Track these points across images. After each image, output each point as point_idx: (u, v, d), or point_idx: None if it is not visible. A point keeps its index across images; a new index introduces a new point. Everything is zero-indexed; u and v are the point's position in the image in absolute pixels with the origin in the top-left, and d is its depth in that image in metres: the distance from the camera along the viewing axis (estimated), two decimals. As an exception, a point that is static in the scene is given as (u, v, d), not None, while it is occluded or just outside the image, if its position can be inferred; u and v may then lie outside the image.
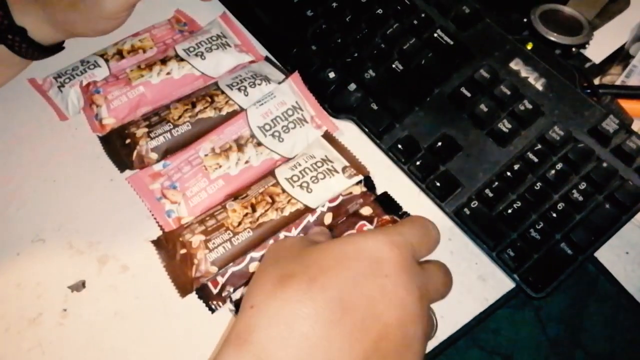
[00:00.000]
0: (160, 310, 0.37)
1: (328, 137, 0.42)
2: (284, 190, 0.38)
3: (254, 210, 0.38)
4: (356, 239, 0.28)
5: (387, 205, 0.39)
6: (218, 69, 0.45)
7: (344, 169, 0.40)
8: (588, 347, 0.37)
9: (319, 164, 0.40)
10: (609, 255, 0.39)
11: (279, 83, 0.44)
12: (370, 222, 0.38)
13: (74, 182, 0.42)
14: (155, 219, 0.39)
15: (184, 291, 0.36)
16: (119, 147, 0.42)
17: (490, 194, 0.38)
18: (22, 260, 0.39)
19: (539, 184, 0.38)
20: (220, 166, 0.40)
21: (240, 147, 0.40)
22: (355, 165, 0.40)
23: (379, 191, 0.40)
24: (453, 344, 0.37)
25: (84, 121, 0.44)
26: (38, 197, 0.42)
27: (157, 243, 0.38)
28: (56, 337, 0.37)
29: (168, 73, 0.44)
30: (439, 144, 0.40)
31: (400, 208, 0.39)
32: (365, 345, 0.25)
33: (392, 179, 0.41)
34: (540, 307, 0.38)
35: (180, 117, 0.42)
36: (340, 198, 0.39)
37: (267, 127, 0.41)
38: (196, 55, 0.45)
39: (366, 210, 0.39)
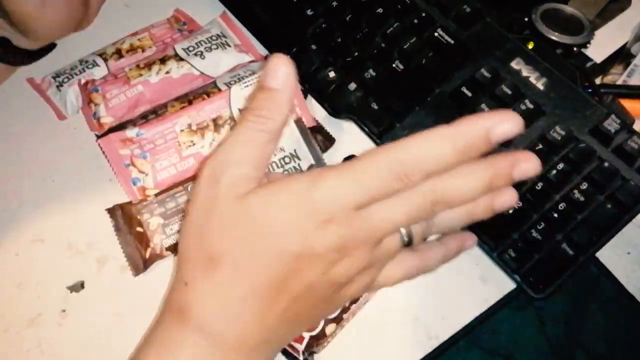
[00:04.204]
0: (159, 310, 0.37)
1: (301, 128, 0.41)
2: None
3: None
4: (275, 207, 0.26)
5: None
6: (217, 68, 0.45)
7: (309, 168, 0.39)
8: (589, 348, 0.37)
9: (287, 159, 0.39)
10: (610, 255, 0.39)
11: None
12: None
13: (73, 182, 0.42)
14: (119, 183, 0.40)
15: (136, 270, 0.38)
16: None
17: (491, 194, 0.38)
18: (21, 260, 0.39)
19: (540, 184, 0.38)
20: (193, 144, 0.40)
21: (217, 128, 0.40)
22: None
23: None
24: (454, 344, 0.37)
25: (83, 121, 0.44)
26: (37, 197, 0.42)
27: (112, 212, 0.39)
28: (55, 338, 0.37)
29: (167, 72, 0.44)
30: (440, 143, 0.40)
31: None
32: (297, 316, 0.28)
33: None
34: (541, 308, 0.38)
35: None
36: None
37: None
38: (195, 54, 0.44)
39: None
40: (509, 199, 0.29)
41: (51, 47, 0.46)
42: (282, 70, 0.28)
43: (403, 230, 0.28)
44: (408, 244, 0.28)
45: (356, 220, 0.26)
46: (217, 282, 0.27)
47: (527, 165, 0.27)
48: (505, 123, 0.26)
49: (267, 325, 0.27)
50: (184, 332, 0.27)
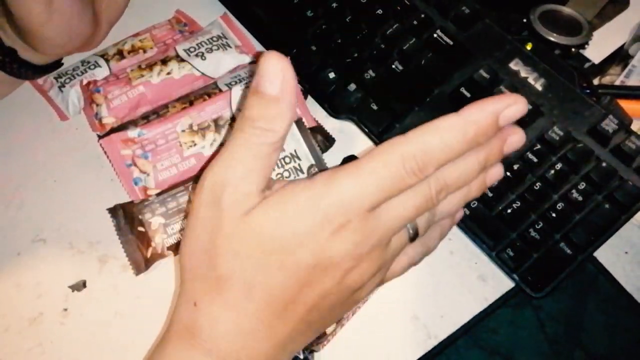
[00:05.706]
0: (160, 309, 0.37)
1: (301, 128, 0.41)
2: None
3: None
4: (284, 220, 0.25)
5: None
6: (218, 69, 0.45)
7: (309, 168, 0.40)
8: (587, 347, 0.37)
9: (287, 160, 0.40)
10: (608, 255, 0.40)
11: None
12: None
13: (75, 182, 0.42)
14: (121, 183, 0.40)
15: (138, 269, 0.38)
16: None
17: (490, 194, 0.38)
18: (23, 260, 0.40)
19: (538, 184, 0.38)
20: (195, 144, 0.40)
21: (218, 128, 0.41)
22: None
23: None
24: (453, 343, 0.37)
25: (85, 121, 0.44)
26: (38, 197, 0.42)
27: (113, 212, 0.39)
28: (57, 337, 0.37)
29: (168, 73, 0.44)
30: (439, 144, 0.40)
31: None
32: (310, 325, 0.27)
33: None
34: (539, 307, 0.38)
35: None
36: None
37: None
38: (196, 55, 0.45)
39: None
40: (497, 172, 0.29)
41: (57, 65, 0.46)
42: (281, 74, 0.24)
43: (409, 225, 0.28)
44: (414, 237, 0.28)
45: (370, 223, 0.25)
46: (228, 302, 0.26)
47: (516, 138, 0.28)
48: (513, 106, 0.26)
49: (280, 339, 0.26)
50: (194, 354, 0.26)
